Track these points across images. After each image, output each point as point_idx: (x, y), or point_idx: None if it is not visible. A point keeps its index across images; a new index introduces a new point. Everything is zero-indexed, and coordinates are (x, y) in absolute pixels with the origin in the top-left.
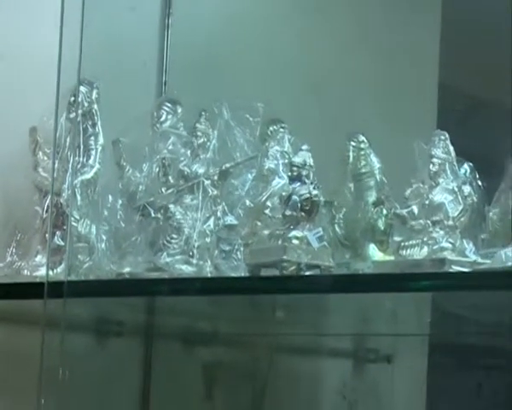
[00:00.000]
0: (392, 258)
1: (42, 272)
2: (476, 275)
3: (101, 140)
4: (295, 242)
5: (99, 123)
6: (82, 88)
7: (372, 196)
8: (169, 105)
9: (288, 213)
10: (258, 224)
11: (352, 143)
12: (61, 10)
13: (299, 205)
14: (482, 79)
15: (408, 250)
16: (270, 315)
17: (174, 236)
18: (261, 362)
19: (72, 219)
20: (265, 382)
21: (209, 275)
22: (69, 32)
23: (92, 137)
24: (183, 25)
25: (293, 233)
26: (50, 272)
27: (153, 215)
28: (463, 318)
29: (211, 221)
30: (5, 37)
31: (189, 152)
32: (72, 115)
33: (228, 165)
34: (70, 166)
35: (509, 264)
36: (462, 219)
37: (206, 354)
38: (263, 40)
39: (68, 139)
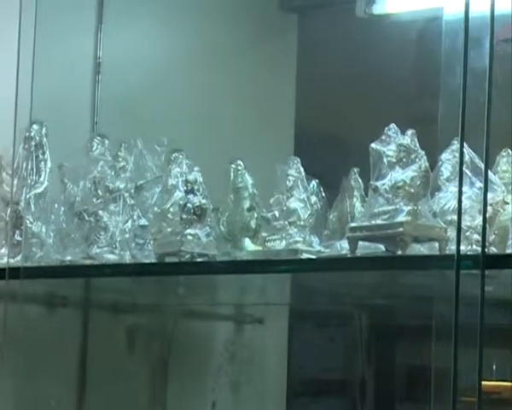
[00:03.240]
0: (260, 248)
1: (4, 260)
2: (320, 260)
3: (49, 164)
4: (190, 237)
5: (47, 152)
6: (34, 126)
7: (247, 204)
8: (99, 138)
9: (184, 216)
10: (164, 224)
11: (233, 166)
12: (16, 67)
13: (192, 211)
14: (327, 119)
15: (272, 243)
16: (173, 291)
17: (102, 233)
18: (167, 325)
19: (28, 221)
20: (171, 338)
21: (128, 261)
22: (23, 83)
23: (42, 162)
24: (109, 79)
25: (188, 231)
26: (11, 260)
27: (86, 219)
28: (314, 290)
29: (129, 222)
30: None
31: (113, 173)
32: (27, 146)
33: (141, 182)
34: (26, 183)
35: (343, 252)
36: (310, 220)
37: (128, 319)
38: (169, 90)
39: (24, 164)
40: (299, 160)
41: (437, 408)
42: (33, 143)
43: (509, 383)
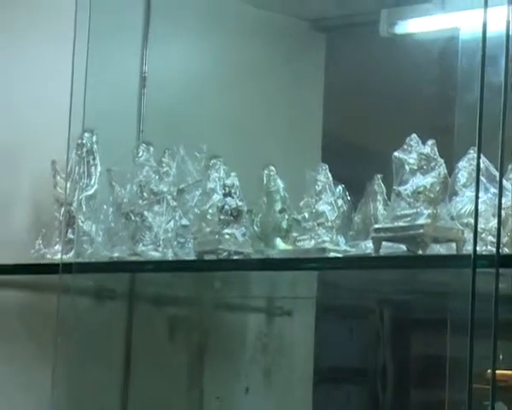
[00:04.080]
0: (291, 247)
1: (58, 256)
2: (346, 258)
3: (99, 168)
4: (227, 236)
5: (97, 157)
6: (86, 134)
7: (278, 206)
8: (144, 145)
9: (222, 217)
10: (203, 224)
11: (266, 171)
12: (71, 82)
13: (229, 212)
14: (353, 129)
15: (301, 242)
16: (210, 285)
17: (147, 232)
18: (205, 317)
19: (79, 221)
20: (208, 329)
21: (170, 258)
22: (76, 95)
23: (93, 167)
24: (153, 92)
25: (226, 231)
26: (64, 256)
27: (133, 219)
28: (339, 286)
29: (171, 222)
30: (39, 98)
31: (157, 177)
32: (79, 152)
33: (183, 185)
34: (78, 186)
35: (368, 251)
36: (337, 221)
37: (169, 311)
38: (208, 101)
39: (77, 168)
40: (327, 166)
41: (451, 395)
42: (85, 150)
43: None
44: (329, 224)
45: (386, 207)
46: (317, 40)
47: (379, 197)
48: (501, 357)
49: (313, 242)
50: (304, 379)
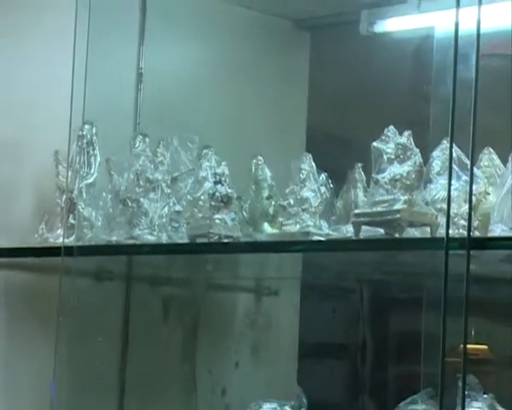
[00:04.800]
0: (277, 231)
1: (60, 240)
2: (328, 241)
3: (98, 158)
4: (217, 221)
5: (97, 148)
6: (86, 126)
7: (266, 193)
8: (140, 137)
9: (213, 203)
10: (195, 210)
11: (254, 161)
12: (71, 77)
13: (219, 199)
14: (335, 121)
15: (287, 226)
16: (202, 267)
17: (143, 217)
18: (197, 296)
19: (80, 207)
20: (200, 308)
21: (164, 242)
22: (77, 90)
23: (93, 157)
24: (149, 87)
25: (216, 216)
26: (66, 240)
27: (130, 205)
28: (322, 267)
29: (166, 208)
30: (42, 92)
31: (152, 166)
32: (80, 143)
33: (176, 174)
34: (79, 174)
35: (348, 235)
36: (320, 207)
37: (164, 291)
38: (200, 96)
39: (77, 158)
40: (310, 156)
41: (426, 368)
42: (85, 141)
43: (485, 346)
44: (313, 209)
45: (365, 193)
46: (302, 38)
47: (359, 185)
48: (473, 333)
49: (298, 226)
50: (289, 354)
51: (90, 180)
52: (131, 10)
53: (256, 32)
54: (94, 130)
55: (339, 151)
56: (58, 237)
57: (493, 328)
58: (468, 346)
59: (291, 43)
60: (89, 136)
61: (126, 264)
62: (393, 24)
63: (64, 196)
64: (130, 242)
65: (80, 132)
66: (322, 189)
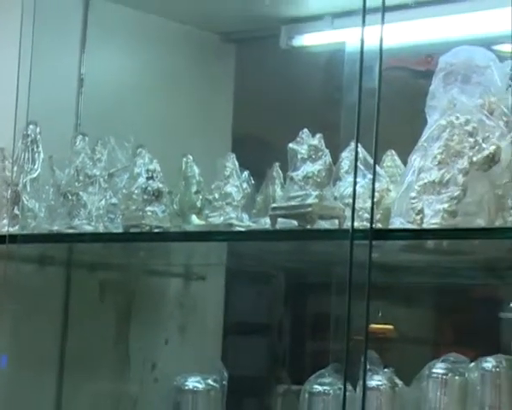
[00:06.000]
0: (204, 222)
1: (5, 229)
2: (249, 232)
3: (41, 155)
4: (149, 213)
5: (40, 146)
6: (30, 126)
7: (194, 189)
8: (81, 136)
9: (145, 197)
10: (130, 203)
11: (184, 159)
12: (17, 80)
13: (151, 193)
14: (257, 125)
15: (212, 218)
16: (136, 254)
17: (82, 209)
18: (131, 280)
19: (24, 199)
20: (134, 291)
21: (101, 231)
22: (22, 92)
23: (36, 154)
24: (89, 91)
25: (148, 208)
26: (11, 229)
27: (70, 198)
28: (244, 255)
29: (103, 201)
30: None
31: (91, 163)
32: (25, 141)
33: (113, 170)
34: (23, 170)
35: (267, 226)
36: (242, 201)
37: (100, 275)
38: (135, 99)
39: (22, 155)
40: (234, 155)
41: (334, 345)
42: (29, 139)
43: (391, 326)
44: (235, 203)
45: (282, 189)
46: (228, 50)
47: (277, 181)
48: (380, 314)
49: (222, 218)
50: (214, 333)
51: (33, 175)
52: (74, 20)
53: (187, 43)
54: (38, 129)
55: (259, 151)
56: (3, 227)
57: (397, 310)
58: (376, 326)
59: (218, 54)
60: (33, 135)
61: (67, 251)
62: (310, 39)
63: (9, 190)
64: (70, 231)
65: (25, 132)
66: (244, 185)
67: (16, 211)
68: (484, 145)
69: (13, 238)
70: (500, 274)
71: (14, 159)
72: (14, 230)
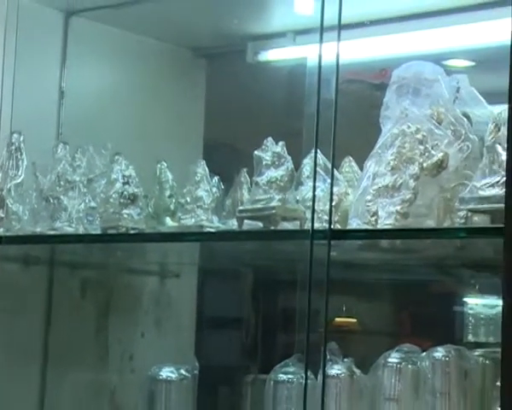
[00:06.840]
0: (177, 224)
1: None
2: (218, 233)
3: (25, 162)
4: (125, 216)
5: (24, 153)
6: (15, 135)
7: (168, 193)
8: (62, 144)
9: (122, 200)
10: (107, 206)
11: (158, 165)
12: (0, 93)
13: (127, 197)
14: (226, 133)
15: (184, 220)
16: (114, 254)
17: (63, 212)
18: (110, 278)
19: (9, 203)
20: (112, 288)
21: (81, 232)
22: (6, 104)
23: (20, 161)
24: (70, 102)
25: (125, 211)
26: None
27: (52, 202)
28: (215, 254)
29: (82, 205)
30: None
31: (71, 169)
32: (9, 149)
33: (91, 176)
34: (8, 175)
35: (234, 227)
36: (212, 204)
37: (81, 274)
38: (113, 110)
39: (7, 162)
40: (204, 162)
41: (298, 337)
42: (14, 147)
43: (354, 320)
44: (206, 206)
45: (249, 193)
46: (199, 64)
47: (244, 186)
48: (344, 308)
49: (193, 220)
50: (187, 327)
51: (18, 180)
52: (55, 36)
53: (162, 58)
54: (21, 138)
55: (229, 158)
56: None
57: (358, 304)
58: (339, 319)
59: (190, 68)
60: (17, 143)
61: (49, 251)
62: (274, 54)
63: None
64: (52, 232)
65: (9, 140)
66: (214, 189)
67: (1, 214)
68: (433, 152)
69: None
70: (449, 271)
71: (0, 166)
72: (0, 232)
